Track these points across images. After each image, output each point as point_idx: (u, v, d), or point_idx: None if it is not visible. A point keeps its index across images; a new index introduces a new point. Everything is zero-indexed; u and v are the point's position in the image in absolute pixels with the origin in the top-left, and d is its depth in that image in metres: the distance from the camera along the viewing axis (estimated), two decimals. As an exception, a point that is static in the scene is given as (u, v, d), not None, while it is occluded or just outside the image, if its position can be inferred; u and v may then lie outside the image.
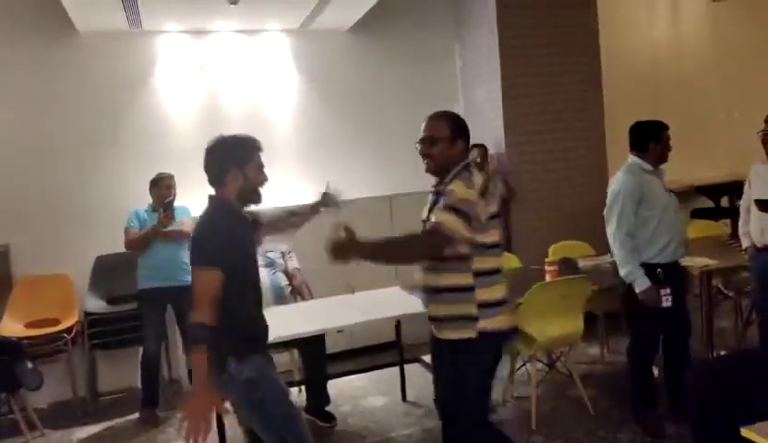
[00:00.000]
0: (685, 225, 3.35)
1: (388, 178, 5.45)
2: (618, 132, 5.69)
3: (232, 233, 2.19)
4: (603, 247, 4.83)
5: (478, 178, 2.24)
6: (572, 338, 3.67)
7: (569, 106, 5.45)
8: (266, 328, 2.38)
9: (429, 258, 2.24)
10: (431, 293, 2.33)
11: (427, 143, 2.30)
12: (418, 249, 2.22)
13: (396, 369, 4.19)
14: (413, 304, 3.50)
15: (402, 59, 5.69)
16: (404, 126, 5.59)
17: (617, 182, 3.28)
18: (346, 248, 2.03)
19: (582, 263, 4.26)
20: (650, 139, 3.25)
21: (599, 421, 3.53)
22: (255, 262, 2.39)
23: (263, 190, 2.34)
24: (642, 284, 3.10)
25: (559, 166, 5.43)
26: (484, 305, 2.25)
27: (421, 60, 5.75)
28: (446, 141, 2.28)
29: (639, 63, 6.37)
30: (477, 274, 2.25)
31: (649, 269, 3.18)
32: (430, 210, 2.34)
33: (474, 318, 2.24)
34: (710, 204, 6.33)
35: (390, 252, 2.23)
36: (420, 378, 4.26)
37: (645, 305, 3.11)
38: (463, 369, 2.30)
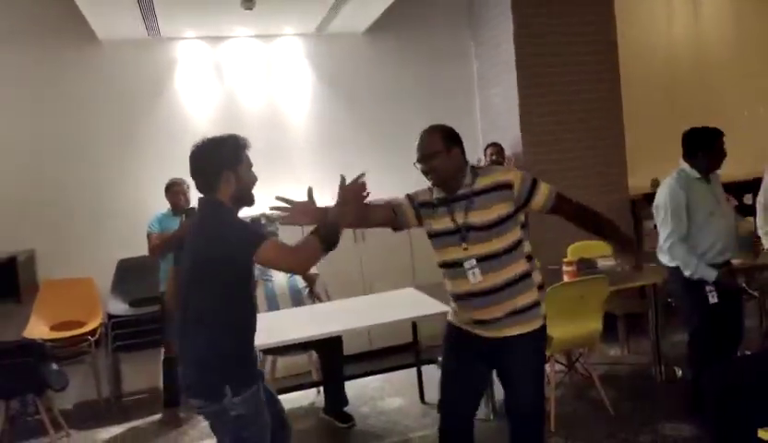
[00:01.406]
0: (734, 230, 3.34)
1: (403, 180, 5.42)
2: (636, 130, 5.66)
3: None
4: (622, 247, 4.79)
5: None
6: (591, 339, 3.63)
7: (586, 105, 5.40)
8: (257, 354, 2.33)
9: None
10: (488, 294, 2.30)
11: (426, 160, 2.39)
12: None
13: (413, 370, 4.20)
14: (429, 305, 3.52)
15: (418, 60, 5.70)
16: (421, 128, 5.59)
17: (664, 188, 3.31)
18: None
19: (601, 263, 4.22)
20: (699, 148, 3.26)
21: (619, 423, 3.49)
22: (254, 279, 2.29)
23: (254, 190, 2.24)
24: (711, 275, 3.13)
25: (577, 165, 5.38)
26: (540, 288, 2.35)
27: (437, 61, 5.75)
28: (443, 153, 2.36)
29: (658, 59, 6.29)
30: (529, 258, 2.35)
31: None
32: (467, 215, 2.32)
33: (538, 304, 2.33)
34: (733, 202, 6.21)
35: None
36: (437, 380, 4.24)
37: (728, 286, 3.16)
38: (536, 362, 2.37)
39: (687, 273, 3.17)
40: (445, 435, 2.52)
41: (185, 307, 2.15)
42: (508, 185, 2.30)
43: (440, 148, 2.37)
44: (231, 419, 2.08)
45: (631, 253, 2.39)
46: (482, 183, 2.34)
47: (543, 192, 2.31)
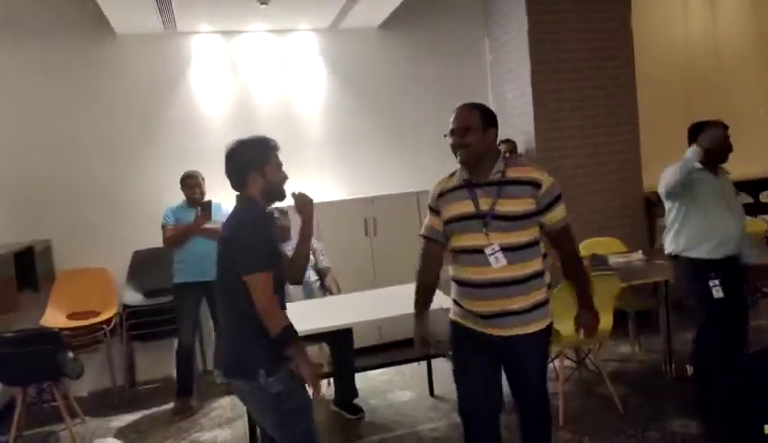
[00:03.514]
0: (741, 223, 3.30)
1: (416, 175, 5.48)
2: (651, 128, 5.62)
3: (269, 235, 2.26)
4: (635, 244, 4.79)
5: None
6: (601, 335, 3.63)
7: (600, 101, 5.38)
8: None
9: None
10: (508, 285, 2.26)
11: (460, 133, 2.30)
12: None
13: (423, 364, 4.22)
14: (440, 299, 3.53)
15: (432, 55, 5.70)
16: (433, 123, 5.59)
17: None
18: (594, 324, 2.43)
19: (612, 260, 4.22)
20: (692, 140, 3.26)
21: (628, 419, 3.49)
22: (281, 265, 2.40)
23: (285, 187, 2.38)
24: (693, 155, 3.07)
25: (591, 162, 5.37)
26: (549, 287, 2.39)
27: (450, 56, 5.75)
28: (479, 131, 2.30)
29: (675, 56, 6.24)
30: (545, 256, 2.38)
31: (694, 263, 3.21)
32: (495, 202, 2.27)
33: (547, 303, 2.37)
34: (748, 200, 6.17)
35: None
36: (447, 373, 4.25)
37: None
38: (542, 362, 2.42)
39: (682, 173, 3.09)
40: (471, 437, 2.49)
41: (220, 288, 2.32)
42: (538, 184, 2.27)
43: (478, 124, 2.30)
44: (271, 396, 2.22)
45: (591, 316, 2.46)
46: (514, 173, 2.30)
47: (560, 211, 2.33)
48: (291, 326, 2.21)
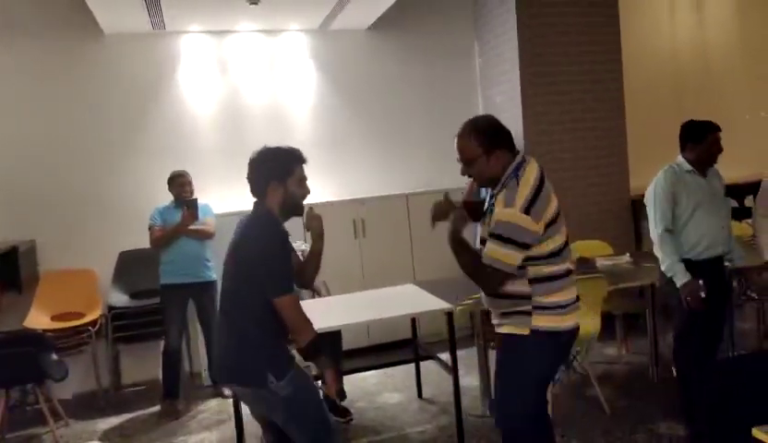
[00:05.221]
0: (727, 223, 3.31)
1: (405, 177, 5.49)
2: (639, 131, 5.67)
3: (288, 252, 2.25)
4: (621, 247, 4.82)
5: (525, 186, 2.08)
6: (588, 337, 3.65)
7: (589, 105, 5.41)
8: None
9: (488, 291, 2.24)
10: (497, 298, 2.26)
11: (464, 165, 2.23)
12: (481, 278, 2.20)
13: (412, 366, 4.22)
14: (429, 301, 3.54)
15: (421, 58, 5.71)
16: (423, 125, 5.62)
17: (653, 181, 3.31)
18: (445, 213, 2.26)
19: (600, 262, 4.24)
20: (688, 140, 3.26)
21: (615, 421, 3.51)
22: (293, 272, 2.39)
23: (304, 203, 2.35)
24: (681, 278, 3.09)
25: (579, 165, 5.40)
26: (541, 307, 2.17)
27: (440, 58, 5.76)
28: (481, 158, 2.16)
29: (662, 62, 6.29)
30: (535, 281, 2.16)
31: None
32: (487, 219, 2.27)
33: (528, 314, 2.17)
34: (733, 204, 6.23)
35: (461, 258, 2.22)
36: (435, 376, 4.27)
37: (688, 303, 3.08)
38: (516, 365, 2.26)
39: (663, 267, 3.16)
40: None
41: (229, 295, 2.28)
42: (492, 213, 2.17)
43: (477, 152, 2.16)
44: (280, 400, 2.19)
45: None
46: (497, 196, 2.17)
47: (487, 248, 2.13)
48: (318, 338, 2.23)
